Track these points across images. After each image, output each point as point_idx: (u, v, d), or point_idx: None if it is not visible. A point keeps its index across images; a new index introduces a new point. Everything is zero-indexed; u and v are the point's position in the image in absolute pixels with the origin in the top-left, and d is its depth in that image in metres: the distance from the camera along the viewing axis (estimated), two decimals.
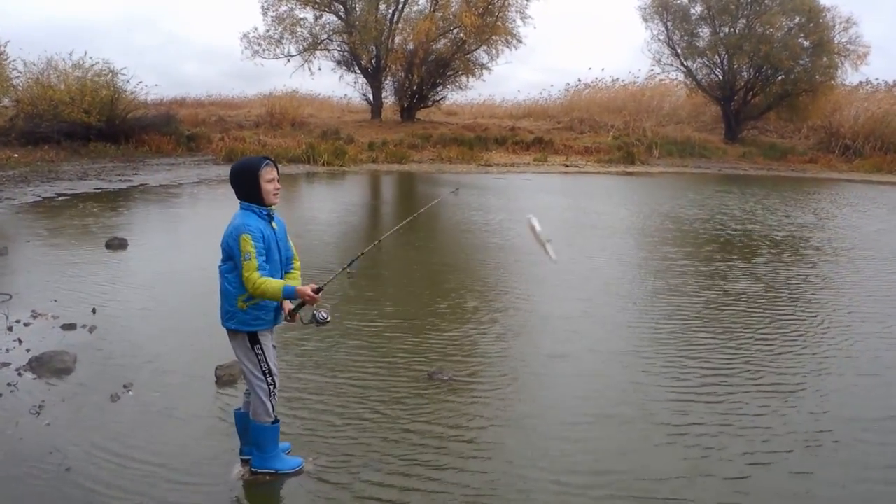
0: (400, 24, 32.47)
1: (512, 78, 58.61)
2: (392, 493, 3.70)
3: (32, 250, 9.74)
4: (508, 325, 6.74)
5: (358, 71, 33.68)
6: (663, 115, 37.54)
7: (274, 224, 3.75)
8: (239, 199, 3.72)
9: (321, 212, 14.59)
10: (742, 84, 35.01)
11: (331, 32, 33.03)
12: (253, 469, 3.88)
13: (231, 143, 25.72)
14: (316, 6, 32.06)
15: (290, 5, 31.71)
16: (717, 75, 35.69)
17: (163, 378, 5.20)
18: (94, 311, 6.78)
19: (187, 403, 4.78)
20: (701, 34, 35.54)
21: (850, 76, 34.33)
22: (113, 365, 5.42)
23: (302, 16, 32.34)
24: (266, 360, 3.73)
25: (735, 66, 34.53)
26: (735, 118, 35.38)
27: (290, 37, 32.28)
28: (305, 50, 32.71)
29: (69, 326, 6.25)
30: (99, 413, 4.60)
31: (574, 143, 31.75)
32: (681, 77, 37.01)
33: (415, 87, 33.82)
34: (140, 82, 26.81)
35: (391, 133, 30.35)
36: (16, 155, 21.04)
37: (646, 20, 35.88)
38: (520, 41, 32.32)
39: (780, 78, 33.74)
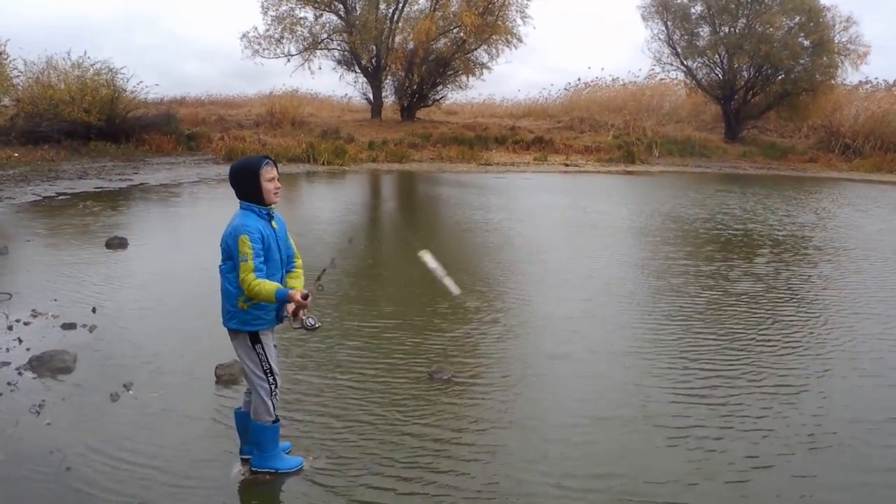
0: (400, 24, 32.44)
1: (512, 77, 58.74)
2: (391, 495, 3.69)
3: (32, 249, 9.74)
4: (509, 326, 6.73)
5: (358, 70, 33.66)
6: (663, 114, 37.52)
7: (274, 223, 3.75)
8: (239, 198, 3.71)
9: (321, 211, 14.57)
10: (742, 83, 35.00)
11: (331, 32, 33.01)
12: (253, 468, 3.87)
13: (231, 142, 25.70)
14: (316, 5, 32.03)
15: (290, 5, 31.72)
16: (717, 74, 35.67)
17: (163, 377, 5.19)
18: (94, 310, 6.77)
19: (187, 403, 4.77)
20: (701, 33, 35.54)
21: (850, 75, 34.36)
22: (113, 364, 5.42)
23: (302, 15, 32.35)
24: (267, 359, 3.72)
25: (735, 66, 34.51)
26: (735, 117, 35.36)
27: (290, 36, 32.27)
28: (305, 49, 32.68)
29: (69, 326, 6.24)
30: (99, 412, 4.59)
31: (574, 143, 31.73)
32: (681, 76, 37.05)
33: (415, 87, 33.79)
34: (140, 82, 26.79)
35: (391, 132, 30.33)
36: (16, 154, 21.02)
37: (646, 19, 35.91)
38: (520, 40, 32.34)
39: (780, 77, 33.73)
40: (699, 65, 35.91)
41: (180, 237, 11.59)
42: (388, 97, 35.16)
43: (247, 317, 3.64)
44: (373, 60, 32.78)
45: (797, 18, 33.07)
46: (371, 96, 34.42)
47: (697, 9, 35.31)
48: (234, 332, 3.70)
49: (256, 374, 3.73)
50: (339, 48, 33.54)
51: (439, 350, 5.91)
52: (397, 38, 32.47)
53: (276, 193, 3.72)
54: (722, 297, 7.90)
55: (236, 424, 4.00)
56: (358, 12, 31.84)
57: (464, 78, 34.20)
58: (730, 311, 7.34)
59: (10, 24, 48.84)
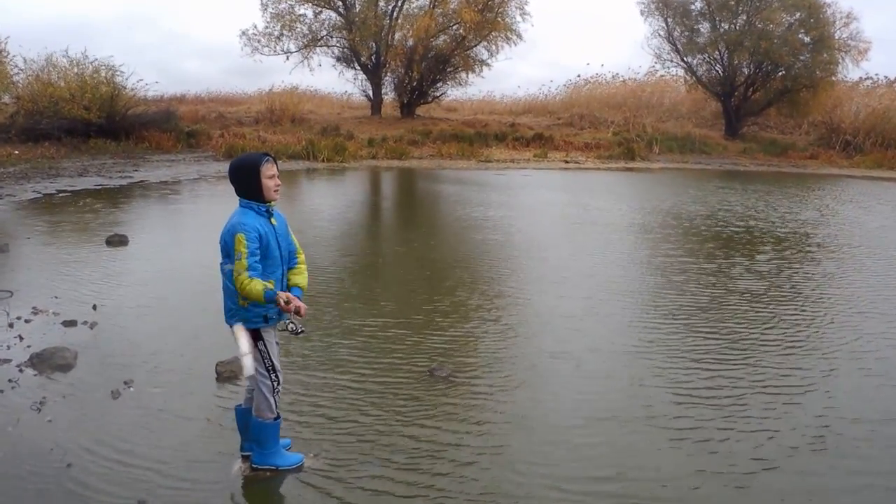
0: (399, 20, 32.41)
1: (512, 74, 58.74)
2: (391, 494, 3.68)
3: (33, 247, 9.73)
4: (510, 324, 6.72)
5: (358, 67, 33.64)
6: (663, 111, 37.48)
7: (273, 220, 3.73)
8: (238, 195, 3.70)
9: (322, 208, 14.55)
10: (742, 80, 34.95)
11: (330, 29, 32.99)
12: (253, 465, 3.87)
13: (231, 139, 25.70)
14: (315, 2, 31.99)
15: (289, 2, 31.70)
16: (717, 71, 35.63)
17: (163, 374, 5.19)
18: (94, 307, 6.77)
19: (188, 400, 4.77)
20: (701, 30, 35.48)
21: (850, 72, 34.31)
22: (113, 361, 5.41)
23: (301, 12, 32.33)
24: (270, 356, 3.72)
25: (735, 62, 34.46)
26: (735, 114, 35.32)
27: (289, 33, 32.26)
28: (305, 46, 32.67)
29: (70, 323, 6.24)
30: (100, 410, 4.58)
31: (574, 140, 31.70)
32: (681, 73, 37.00)
33: (414, 84, 33.78)
34: (140, 80, 26.80)
35: (391, 129, 30.31)
36: (16, 152, 21.01)
37: (646, 16, 35.87)
38: (519, 37, 32.33)
39: (780, 74, 33.69)
40: (699, 61, 35.88)
41: (181, 234, 11.59)
42: (388, 94, 35.16)
43: (248, 314, 3.63)
44: (372, 57, 32.76)
45: (797, 15, 33.02)
46: (371, 93, 34.41)
47: (697, 5, 35.29)
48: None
49: (259, 371, 3.72)
50: (338, 45, 33.55)
51: (440, 349, 5.90)
52: (397, 35, 32.45)
53: (277, 191, 3.71)
54: (724, 295, 7.88)
55: (237, 421, 3.99)
56: (357, 9, 31.81)
57: (463, 75, 34.25)
58: (732, 310, 7.31)
59: (11, 22, 48.96)
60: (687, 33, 35.33)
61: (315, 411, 4.63)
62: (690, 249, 10.71)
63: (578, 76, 41.70)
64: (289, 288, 3.83)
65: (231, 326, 3.70)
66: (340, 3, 32.13)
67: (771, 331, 6.59)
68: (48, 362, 5.26)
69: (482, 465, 3.97)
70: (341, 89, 45.96)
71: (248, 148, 23.10)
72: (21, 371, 5.16)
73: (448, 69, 33.82)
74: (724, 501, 3.69)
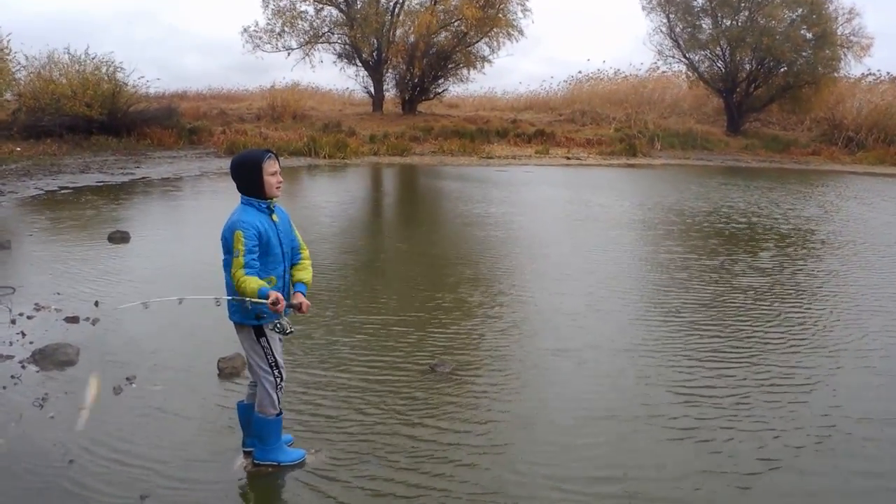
0: (401, 17, 32.34)
1: (514, 70, 58.59)
2: (393, 491, 3.67)
3: (35, 244, 9.73)
4: (512, 320, 6.71)
5: (359, 63, 33.57)
6: (665, 107, 37.35)
7: (275, 216, 3.73)
8: (240, 192, 3.70)
9: (323, 204, 14.54)
10: (744, 76, 34.83)
11: (332, 25, 32.93)
12: (255, 461, 3.88)
13: (233, 136, 25.67)
14: None
15: None
16: (719, 67, 35.49)
17: (165, 371, 5.19)
18: (96, 304, 6.77)
19: (190, 396, 4.78)
20: (703, 26, 35.34)
21: (853, 68, 34.17)
22: (115, 358, 5.42)
23: (302, 8, 32.27)
24: (273, 352, 3.72)
25: (737, 59, 34.33)
26: (737, 110, 35.23)
27: (290, 30, 32.20)
28: (306, 43, 32.61)
29: (72, 319, 6.24)
30: (102, 406, 4.59)
31: (576, 136, 31.64)
32: (683, 69, 36.90)
33: (416, 80, 33.71)
34: (142, 76, 26.76)
35: (392, 126, 30.27)
36: (18, 149, 21.01)
37: (647, 11, 35.76)
38: (521, 32, 32.25)
39: (782, 70, 33.57)
40: (701, 57, 35.74)
41: (182, 231, 11.59)
42: (390, 90, 35.09)
43: (247, 311, 3.62)
44: (374, 54, 32.70)
45: (799, 11, 32.88)
46: (372, 90, 34.36)
47: (699, 1, 35.12)
48: (239, 326, 3.70)
49: (262, 367, 3.72)
50: (339, 41, 33.46)
51: (442, 345, 5.90)
52: (398, 32, 32.38)
53: (279, 187, 3.71)
54: (727, 292, 7.86)
55: (239, 417, 4.00)
56: (358, 6, 31.73)
57: (465, 71, 34.14)
58: (735, 307, 7.29)
59: (11, 18, 48.82)
60: (689, 29, 35.20)
61: (316, 409, 4.62)
62: (693, 246, 10.69)
63: (580, 72, 41.67)
64: (293, 284, 3.83)
65: (235, 323, 3.71)
66: (342, 0, 32.07)
67: (775, 328, 6.57)
68: (50, 359, 5.27)
69: (483, 465, 3.95)
70: (343, 86, 45.91)
71: (249, 144, 23.08)
72: (23, 367, 5.17)
73: (449, 65, 33.75)
74: (728, 500, 3.67)
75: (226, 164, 15.63)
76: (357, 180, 20.40)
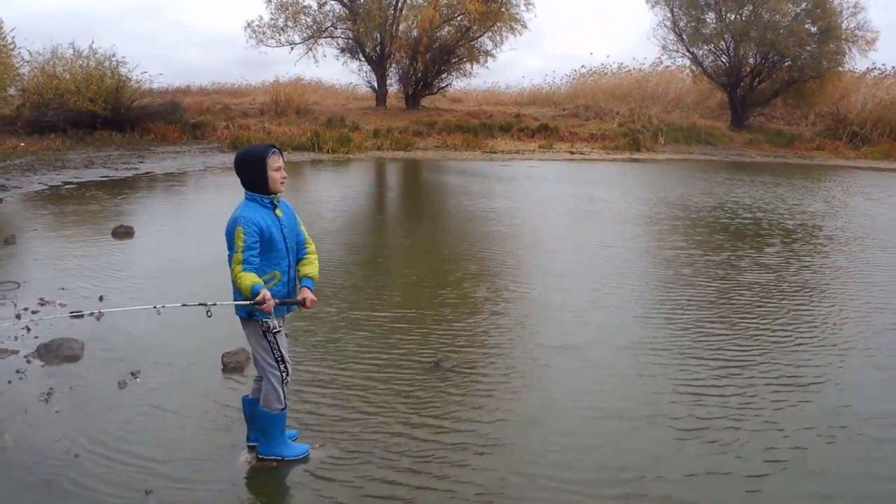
0: (404, 12, 32.30)
1: (517, 65, 58.56)
2: (396, 488, 3.66)
3: (39, 239, 9.74)
4: (516, 316, 6.69)
5: (362, 58, 33.57)
6: (669, 101, 37.29)
7: (279, 212, 3.72)
8: (244, 187, 3.69)
9: (327, 199, 14.52)
10: (748, 70, 34.72)
11: (335, 20, 32.90)
12: (259, 456, 3.87)
13: (236, 130, 25.69)
14: None
15: None
16: (723, 62, 35.37)
17: (170, 365, 5.19)
18: (101, 298, 6.78)
19: (194, 390, 4.78)
20: (707, 20, 35.22)
21: (857, 62, 34.05)
22: (120, 352, 5.42)
23: (306, 3, 32.25)
24: (279, 347, 3.72)
25: (741, 53, 34.21)
26: (741, 105, 35.12)
27: (293, 25, 32.18)
28: (309, 37, 32.61)
29: (76, 314, 6.23)
30: (106, 400, 4.59)
31: (579, 130, 31.59)
32: (686, 63, 36.79)
33: (419, 75, 33.69)
34: (145, 72, 26.73)
35: (396, 120, 30.24)
36: (22, 144, 21.04)
37: (651, 5, 35.64)
38: (524, 26, 32.18)
39: (786, 64, 33.43)
40: (705, 52, 35.63)
41: (186, 225, 11.59)
42: (393, 85, 35.10)
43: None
44: (377, 48, 32.68)
45: (804, 5, 32.73)
46: (375, 84, 34.35)
47: None
48: (245, 321, 3.69)
49: (268, 361, 3.72)
50: (343, 36, 33.47)
51: (446, 341, 5.88)
52: (401, 26, 32.35)
53: (283, 182, 3.70)
54: (732, 288, 7.82)
55: (244, 412, 4.00)
56: (361, 0, 31.68)
57: (468, 65, 34.16)
58: (741, 302, 7.25)
59: (14, 13, 48.91)
60: (693, 23, 35.07)
61: (320, 404, 4.61)
62: (698, 241, 10.65)
63: (583, 67, 41.54)
64: (299, 279, 3.82)
65: (241, 318, 3.70)
66: None
67: (781, 325, 6.52)
68: (55, 353, 5.28)
69: (487, 463, 3.93)
70: (346, 80, 45.82)
71: (253, 139, 23.10)
72: (28, 362, 5.17)
73: (453, 60, 33.74)
74: (734, 498, 3.64)
75: (229, 158, 15.64)
76: (360, 175, 20.38)
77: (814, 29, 32.56)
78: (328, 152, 24.56)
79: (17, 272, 7.76)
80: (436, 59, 32.91)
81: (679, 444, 4.19)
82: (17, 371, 5.00)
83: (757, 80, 34.76)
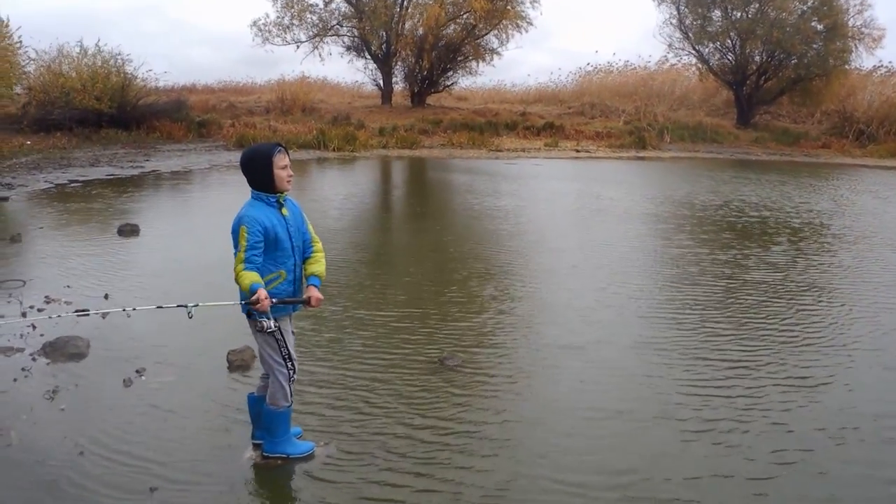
0: (409, 10, 32.25)
1: (523, 63, 58.36)
2: (399, 488, 3.65)
3: (45, 237, 9.76)
4: (521, 315, 6.67)
5: (368, 56, 33.54)
6: (675, 99, 37.15)
7: (285, 210, 3.71)
8: (250, 186, 3.68)
9: (332, 197, 14.51)
10: (754, 68, 34.53)
11: (340, 18, 32.87)
12: (264, 453, 3.87)
13: (242, 129, 25.67)
14: None
15: None
16: (728, 60, 35.21)
17: (175, 363, 5.20)
18: (106, 296, 6.78)
19: (199, 388, 4.78)
20: (713, 18, 35.06)
21: (864, 60, 33.80)
22: (125, 350, 5.42)
23: (311, 1, 32.24)
24: (286, 345, 3.72)
25: (747, 51, 34.05)
26: (747, 103, 34.95)
27: (299, 23, 32.19)
28: (315, 36, 32.59)
29: (82, 312, 6.23)
30: (112, 398, 4.60)
31: (585, 129, 31.49)
32: (692, 61, 36.64)
33: (425, 73, 33.64)
34: (150, 70, 26.80)
35: (401, 118, 30.22)
36: (28, 142, 21.09)
37: (658, 3, 35.51)
38: (530, 23, 32.12)
39: (792, 62, 33.22)
40: (711, 50, 35.47)
41: (192, 224, 11.59)
42: (399, 83, 35.07)
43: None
44: (383, 46, 32.64)
45: (810, 2, 32.55)
46: (381, 82, 34.32)
47: None
48: (252, 319, 3.68)
49: (275, 359, 3.72)
50: (348, 34, 33.42)
51: (451, 340, 5.86)
52: (407, 24, 32.30)
53: (289, 181, 3.69)
54: (739, 287, 7.79)
55: (249, 409, 3.99)
56: None
57: (474, 63, 34.09)
58: (748, 301, 7.22)
59: (20, 12, 48.98)
60: (699, 21, 34.89)
61: (325, 403, 4.61)
62: (704, 240, 10.60)
63: (588, 64, 41.43)
64: (305, 277, 3.81)
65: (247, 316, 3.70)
66: None
67: (789, 325, 6.48)
68: (61, 351, 5.29)
69: (492, 462, 3.91)
70: (352, 79, 45.95)
71: (258, 137, 23.11)
72: (34, 360, 5.18)
73: (458, 58, 33.68)
74: (741, 499, 3.61)
75: (235, 156, 15.66)
76: (366, 173, 20.37)
77: (820, 27, 32.39)
78: (334, 150, 24.55)
79: (22, 270, 7.77)
80: (441, 57, 32.85)
81: (685, 446, 4.16)
82: (23, 369, 5.01)
83: (763, 78, 34.59)
